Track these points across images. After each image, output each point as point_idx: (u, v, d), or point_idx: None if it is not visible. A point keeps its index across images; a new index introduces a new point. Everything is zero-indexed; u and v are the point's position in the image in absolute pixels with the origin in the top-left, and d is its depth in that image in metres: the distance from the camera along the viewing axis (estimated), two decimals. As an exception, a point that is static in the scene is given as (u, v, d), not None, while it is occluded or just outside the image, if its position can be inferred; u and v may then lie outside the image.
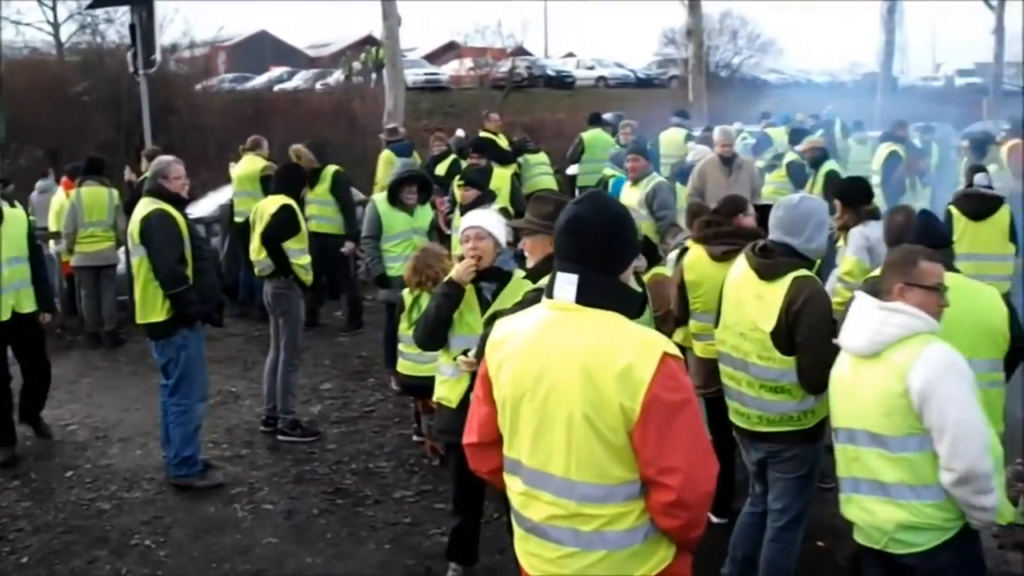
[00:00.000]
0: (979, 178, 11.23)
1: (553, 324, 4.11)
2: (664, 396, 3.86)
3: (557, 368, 4.01)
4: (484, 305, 7.09)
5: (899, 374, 5.11)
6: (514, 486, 4.27)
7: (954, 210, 10.45)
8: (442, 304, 7.05)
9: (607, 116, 22.92)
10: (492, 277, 7.12)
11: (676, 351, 4.00)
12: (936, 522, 5.15)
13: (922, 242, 6.22)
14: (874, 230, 8.83)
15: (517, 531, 4.33)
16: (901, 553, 5.24)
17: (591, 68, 58.44)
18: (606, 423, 3.91)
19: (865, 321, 5.31)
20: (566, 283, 4.05)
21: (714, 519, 8.35)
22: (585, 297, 4.03)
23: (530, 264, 6.60)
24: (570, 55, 66.19)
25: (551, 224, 6.36)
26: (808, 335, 6.34)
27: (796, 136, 18.27)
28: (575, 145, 19.49)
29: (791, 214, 6.51)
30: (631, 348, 3.91)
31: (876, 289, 5.50)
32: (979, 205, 10.81)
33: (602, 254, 4.07)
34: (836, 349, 5.98)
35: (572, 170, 19.60)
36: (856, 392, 5.35)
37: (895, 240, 6.74)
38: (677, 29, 57.98)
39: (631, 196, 12.56)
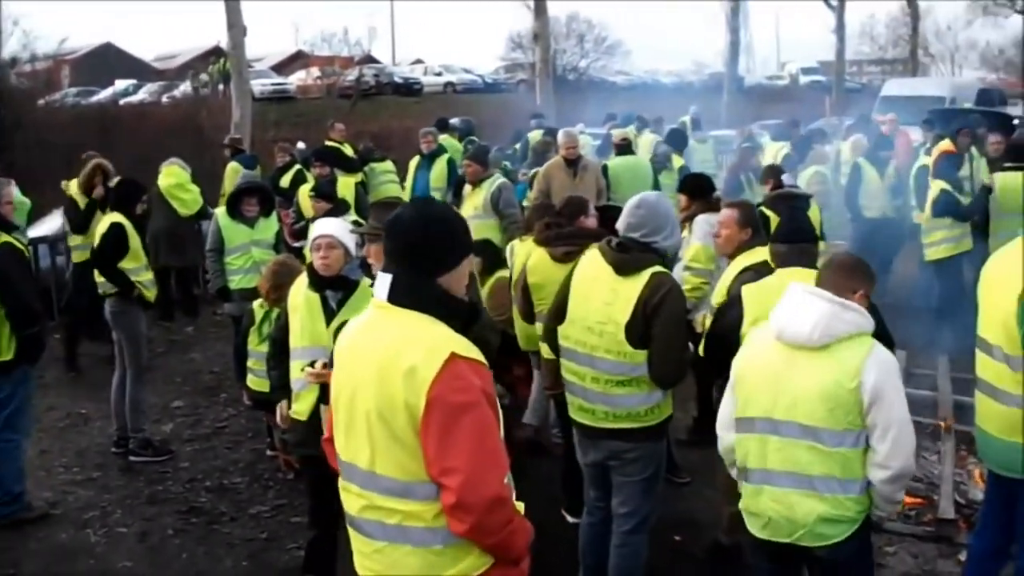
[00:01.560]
0: (785, 178, 11.40)
1: (368, 323, 4.24)
2: (447, 396, 3.89)
3: (359, 365, 4.11)
4: (330, 315, 7.03)
5: (853, 369, 5.14)
6: (340, 478, 4.36)
7: (767, 212, 10.60)
8: None
9: (454, 121, 22.90)
10: (338, 286, 7.07)
11: (473, 354, 4.03)
12: (851, 514, 5.21)
13: (789, 235, 6.35)
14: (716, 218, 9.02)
15: (347, 525, 4.38)
16: (815, 546, 5.26)
17: (439, 74, 58.61)
18: (396, 421, 3.96)
19: (811, 312, 5.25)
20: (381, 282, 4.16)
21: (570, 519, 8.43)
22: (395, 296, 4.11)
23: (376, 271, 6.53)
24: (418, 62, 66.34)
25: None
26: (665, 328, 6.34)
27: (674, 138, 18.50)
28: (428, 151, 19.48)
29: (653, 212, 6.51)
30: (421, 348, 3.95)
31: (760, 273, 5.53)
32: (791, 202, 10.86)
33: (414, 254, 4.12)
34: (688, 343, 6.05)
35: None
36: (788, 383, 5.29)
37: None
38: (524, 33, 58.46)
39: (475, 199, 12.66)
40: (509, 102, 39.73)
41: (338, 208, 11.28)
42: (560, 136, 14.90)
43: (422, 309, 4.08)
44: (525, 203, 14.07)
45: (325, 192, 11.76)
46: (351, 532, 4.33)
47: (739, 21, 49.90)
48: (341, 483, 4.33)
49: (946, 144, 15.28)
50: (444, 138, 19.63)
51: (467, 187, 13.12)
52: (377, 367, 4.00)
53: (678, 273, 9.36)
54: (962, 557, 7.51)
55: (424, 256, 4.12)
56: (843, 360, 5.17)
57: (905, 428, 5.14)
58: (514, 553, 4.16)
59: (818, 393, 5.18)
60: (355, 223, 9.20)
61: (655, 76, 71.87)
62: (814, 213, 10.69)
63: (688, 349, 6.55)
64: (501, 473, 4.01)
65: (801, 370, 5.24)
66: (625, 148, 16.70)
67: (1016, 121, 26.83)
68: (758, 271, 6.92)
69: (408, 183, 17.31)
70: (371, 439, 4.06)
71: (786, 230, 6.54)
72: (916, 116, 21.98)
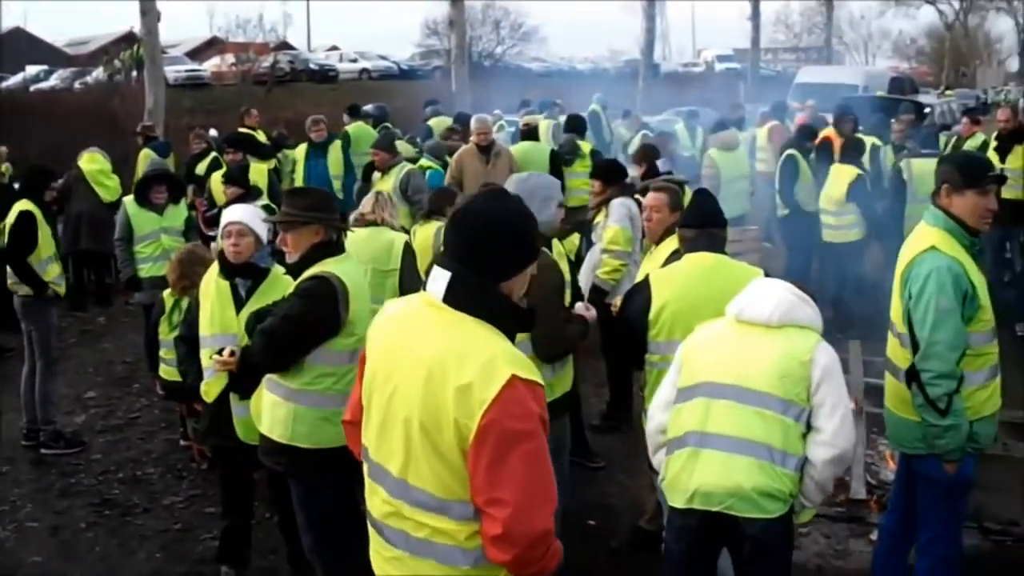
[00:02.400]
0: (660, 163, 11.40)
1: (415, 318, 3.92)
2: (505, 423, 3.60)
3: (404, 367, 3.82)
4: (239, 303, 6.97)
5: (805, 348, 5.26)
6: (365, 472, 4.11)
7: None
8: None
9: (368, 108, 22.76)
10: (248, 274, 7.01)
11: (533, 375, 3.71)
12: (785, 491, 5.20)
13: (697, 220, 6.37)
14: (633, 203, 9.08)
15: (369, 525, 4.15)
16: (748, 516, 5.19)
17: (354, 61, 58.29)
18: (442, 437, 3.69)
19: (774, 297, 5.39)
20: (438, 278, 3.82)
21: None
22: (453, 298, 3.79)
23: (291, 259, 6.45)
24: (334, 48, 65.89)
25: (312, 215, 6.31)
26: (539, 306, 6.35)
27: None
28: (340, 139, 19.26)
29: (518, 189, 6.46)
30: (478, 363, 3.64)
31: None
32: None
33: (479, 255, 3.80)
34: (566, 318, 6.09)
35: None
36: (739, 354, 5.35)
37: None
38: (439, 20, 58.40)
39: (383, 186, 12.49)
40: (425, 89, 39.52)
41: (250, 194, 11.21)
42: (473, 122, 14.86)
43: (480, 315, 3.78)
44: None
45: (236, 177, 11.66)
46: (370, 528, 4.11)
47: (655, 8, 50.03)
48: (368, 482, 4.07)
49: (829, 130, 15.54)
50: (359, 124, 19.50)
51: (376, 174, 13.08)
52: (426, 374, 3.71)
53: (595, 256, 9.40)
54: (874, 536, 7.63)
55: (492, 258, 3.82)
56: (796, 339, 5.31)
57: (850, 415, 5.25)
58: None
59: (770, 361, 5.25)
60: (266, 208, 9.14)
61: (571, 63, 72.10)
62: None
63: (563, 325, 6.50)
64: (552, 507, 3.74)
65: (755, 343, 5.33)
66: (529, 134, 16.66)
67: (927, 109, 27.18)
68: None
69: (299, 173, 17.08)
70: (408, 447, 3.80)
71: (694, 215, 6.56)
72: (830, 103, 22.27)
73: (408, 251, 8.68)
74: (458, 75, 36.54)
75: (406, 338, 3.88)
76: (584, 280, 9.17)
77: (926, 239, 5.98)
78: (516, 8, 71.06)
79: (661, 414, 5.64)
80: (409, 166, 13.10)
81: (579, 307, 6.70)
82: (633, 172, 11.02)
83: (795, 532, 5.66)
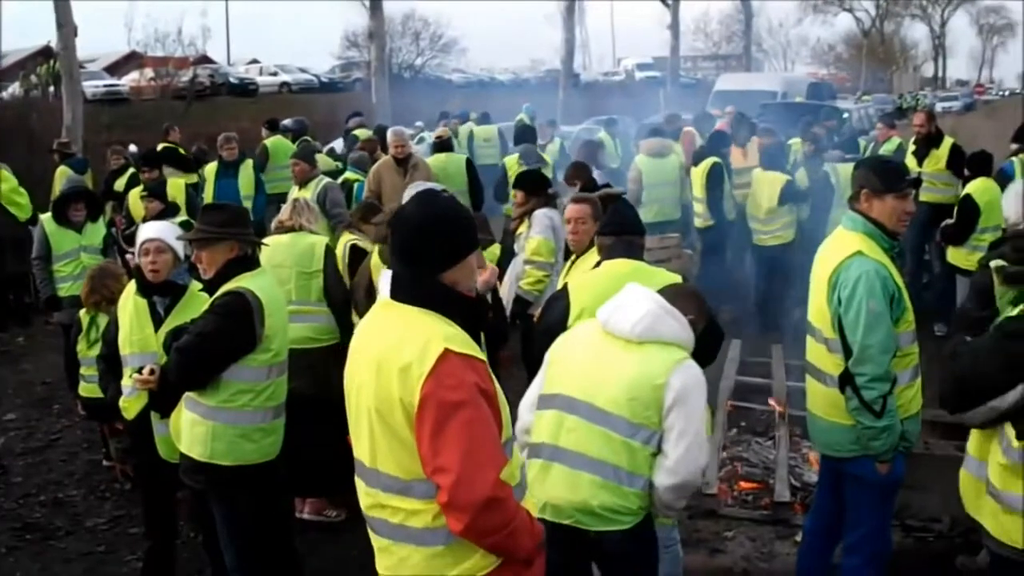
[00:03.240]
0: (598, 175, 11.42)
1: (373, 321, 4.22)
2: (440, 393, 3.85)
3: (362, 364, 4.10)
4: (158, 321, 6.91)
5: (662, 369, 5.10)
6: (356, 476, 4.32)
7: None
8: None
9: (286, 122, 22.65)
10: (166, 291, 6.96)
11: (469, 349, 3.98)
12: (634, 507, 5.15)
13: (615, 228, 6.38)
14: (556, 213, 9.07)
15: None
16: (600, 529, 5.16)
17: (274, 74, 57.93)
18: (394, 418, 3.94)
19: (639, 309, 5.23)
20: (384, 279, 4.17)
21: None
22: (398, 293, 4.10)
23: (206, 276, 6.42)
24: (254, 62, 65.47)
25: (226, 231, 6.28)
26: None
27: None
28: (260, 153, 19.12)
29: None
30: (416, 344, 3.91)
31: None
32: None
33: (416, 250, 4.08)
34: None
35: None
36: (596, 368, 5.24)
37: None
38: (359, 32, 58.30)
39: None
40: (345, 101, 39.44)
41: (169, 210, 11.14)
42: (389, 135, 14.84)
43: (425, 305, 4.05)
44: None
45: (157, 192, 11.59)
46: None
47: (575, 18, 50.25)
48: (356, 479, 4.29)
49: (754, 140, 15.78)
50: (278, 138, 19.39)
51: (294, 188, 13.04)
52: (376, 364, 4.00)
53: (518, 268, 9.40)
54: (798, 538, 7.62)
55: (426, 252, 4.07)
56: (655, 359, 5.16)
57: (698, 442, 5.10)
58: (519, 554, 4.12)
59: (623, 381, 5.13)
60: (185, 224, 9.08)
61: (491, 74, 72.25)
62: None
63: None
64: (495, 473, 3.93)
65: (612, 359, 5.20)
66: (442, 146, 16.84)
67: (845, 115, 27.42)
68: None
69: (208, 192, 16.61)
70: (372, 436, 4.06)
71: (611, 222, 6.56)
72: (749, 110, 22.43)
73: (330, 253, 8.73)
74: (378, 87, 36.55)
75: (364, 339, 4.20)
76: (507, 291, 9.16)
77: (850, 244, 6.02)
78: (436, 19, 70.94)
79: (528, 414, 5.57)
80: (327, 180, 13.08)
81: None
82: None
83: (657, 540, 5.62)
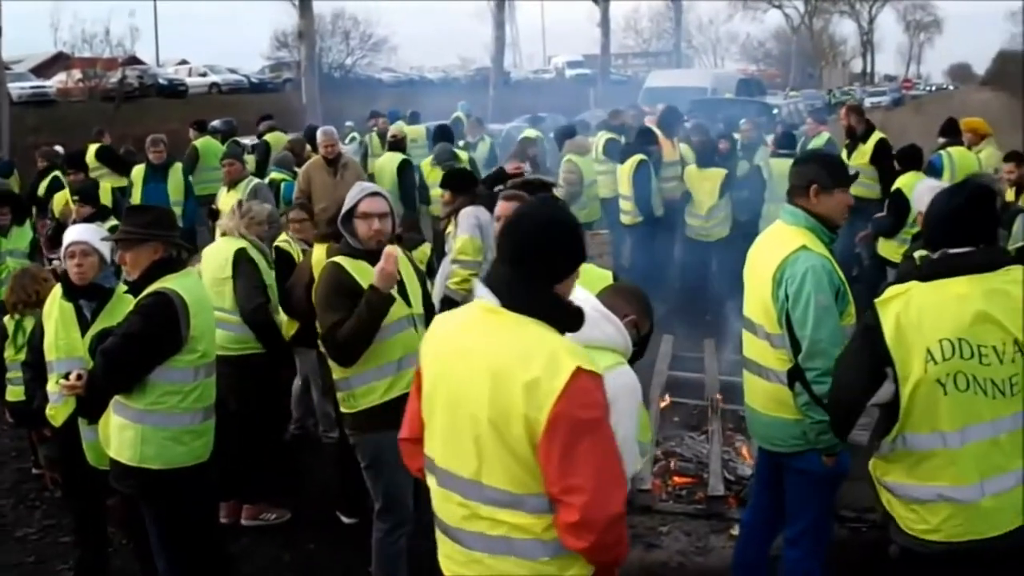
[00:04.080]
0: (507, 166, 11.38)
1: (474, 324, 4.05)
2: (574, 412, 3.74)
3: (469, 370, 3.94)
4: (84, 325, 6.82)
5: None
6: (431, 484, 4.20)
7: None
8: (375, 316, 6.53)
9: (215, 123, 22.51)
10: (92, 295, 6.86)
11: (594, 366, 3.85)
12: None
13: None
14: (483, 211, 9.01)
15: (437, 532, 4.22)
16: None
17: (204, 75, 57.70)
18: (511, 432, 3.81)
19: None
20: (486, 294, 4.00)
21: (344, 519, 8.40)
22: (510, 300, 3.94)
23: (131, 277, 6.37)
24: (183, 63, 65.10)
25: (151, 232, 6.22)
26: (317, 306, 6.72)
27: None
28: (188, 154, 18.94)
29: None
30: (542, 359, 3.79)
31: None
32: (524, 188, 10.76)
33: (536, 258, 3.96)
34: (331, 319, 6.40)
35: (188, 179, 19.00)
36: None
37: None
38: (289, 32, 58.07)
39: (231, 199, 12.40)
40: (275, 101, 39.32)
41: (100, 213, 11.01)
42: (319, 135, 14.76)
43: (538, 316, 3.94)
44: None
45: (87, 194, 11.47)
46: (441, 536, 4.17)
47: (505, 16, 50.33)
48: (436, 488, 4.15)
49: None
50: (207, 139, 19.23)
51: (222, 189, 12.93)
52: (492, 374, 3.85)
53: (446, 267, 9.36)
54: (734, 532, 7.70)
55: (545, 261, 3.98)
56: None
57: (625, 446, 5.09)
58: (619, 563, 4.09)
59: None
60: (113, 229, 8.96)
61: (421, 73, 72.24)
62: None
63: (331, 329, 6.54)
64: (624, 491, 3.90)
65: None
66: (396, 145, 17.04)
67: (775, 110, 27.62)
68: None
69: (136, 197, 16.08)
70: (479, 448, 3.92)
71: None
72: (679, 106, 22.49)
73: (240, 259, 8.36)
74: (308, 87, 36.49)
75: (467, 345, 4.01)
76: (437, 291, 9.12)
77: (793, 239, 6.01)
78: (366, 18, 71.01)
79: None
80: (256, 180, 13.04)
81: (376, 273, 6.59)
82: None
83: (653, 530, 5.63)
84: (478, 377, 3.89)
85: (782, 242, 6.04)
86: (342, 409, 6.87)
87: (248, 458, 8.22)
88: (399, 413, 6.61)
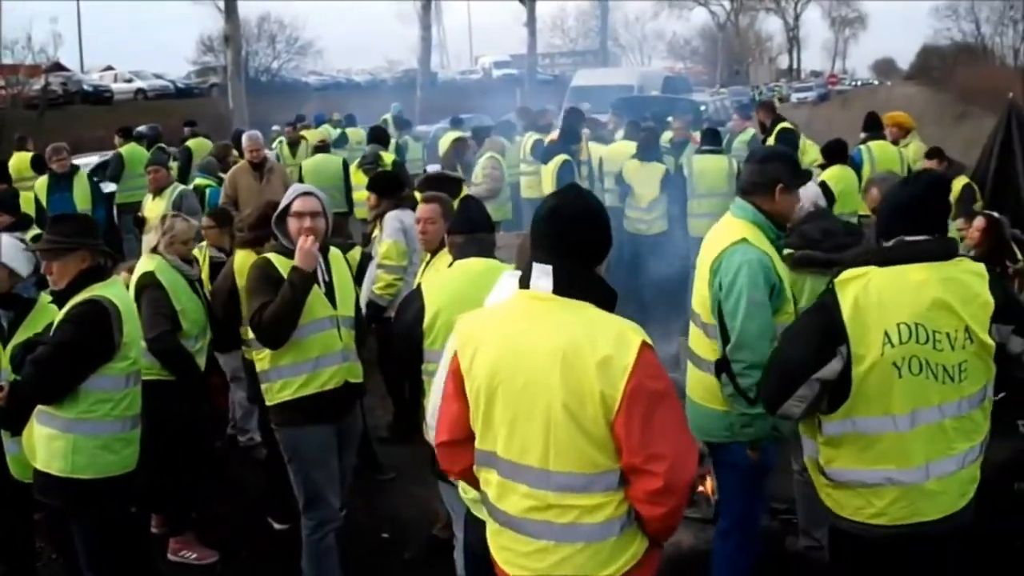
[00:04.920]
0: (430, 168, 11.39)
1: (529, 314, 4.14)
2: (647, 384, 3.92)
3: (535, 358, 4.04)
4: (2, 336, 6.75)
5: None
6: (490, 479, 4.27)
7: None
8: (298, 295, 6.57)
9: (141, 128, 22.35)
10: (10, 305, 6.79)
11: (650, 341, 4.03)
12: None
13: (465, 226, 6.37)
14: (408, 215, 9.02)
15: (491, 526, 4.34)
16: None
17: (129, 81, 57.19)
18: (586, 412, 3.94)
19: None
20: (542, 273, 4.10)
21: (276, 526, 8.39)
22: (561, 287, 4.07)
23: (57, 287, 6.32)
24: (108, 68, 64.46)
25: (77, 241, 6.20)
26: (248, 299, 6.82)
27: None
28: (113, 162, 18.79)
29: None
30: (610, 337, 3.96)
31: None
32: (443, 186, 10.22)
33: (577, 245, 4.12)
34: (257, 303, 6.52)
35: (110, 187, 18.75)
36: None
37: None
38: (215, 36, 57.75)
39: (157, 206, 12.54)
40: (202, 107, 39.08)
41: (20, 223, 10.89)
42: (245, 139, 14.76)
43: (588, 298, 4.09)
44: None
45: (6, 204, 11.36)
46: (500, 529, 4.29)
47: (431, 17, 50.33)
48: (499, 481, 4.23)
49: (553, 134, 15.99)
50: (133, 146, 19.07)
51: (148, 196, 12.86)
52: (561, 358, 3.97)
53: (372, 272, 9.36)
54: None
55: (589, 247, 4.16)
56: None
57: None
58: (670, 534, 4.29)
59: None
60: (36, 238, 8.88)
61: (348, 75, 72.10)
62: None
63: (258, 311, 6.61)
64: (697, 455, 4.15)
65: None
66: (321, 148, 17.36)
67: (702, 107, 27.81)
68: None
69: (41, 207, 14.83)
70: (548, 434, 4.02)
71: (462, 221, 6.53)
72: (606, 105, 22.71)
73: (144, 284, 7.88)
74: (235, 92, 36.24)
75: (525, 335, 4.11)
76: (364, 295, 9.13)
77: (735, 231, 6.08)
78: (292, 22, 70.57)
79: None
80: (182, 187, 12.98)
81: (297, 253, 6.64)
82: None
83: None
84: (545, 365, 4.01)
85: (725, 234, 6.13)
86: (266, 401, 6.89)
87: (168, 488, 8.10)
88: (315, 410, 6.79)
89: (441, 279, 6.41)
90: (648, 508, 4.01)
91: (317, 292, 6.67)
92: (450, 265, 6.51)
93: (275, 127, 23.73)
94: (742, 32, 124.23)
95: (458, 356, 4.35)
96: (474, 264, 6.23)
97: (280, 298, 6.48)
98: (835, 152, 13.23)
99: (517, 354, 4.11)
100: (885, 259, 4.79)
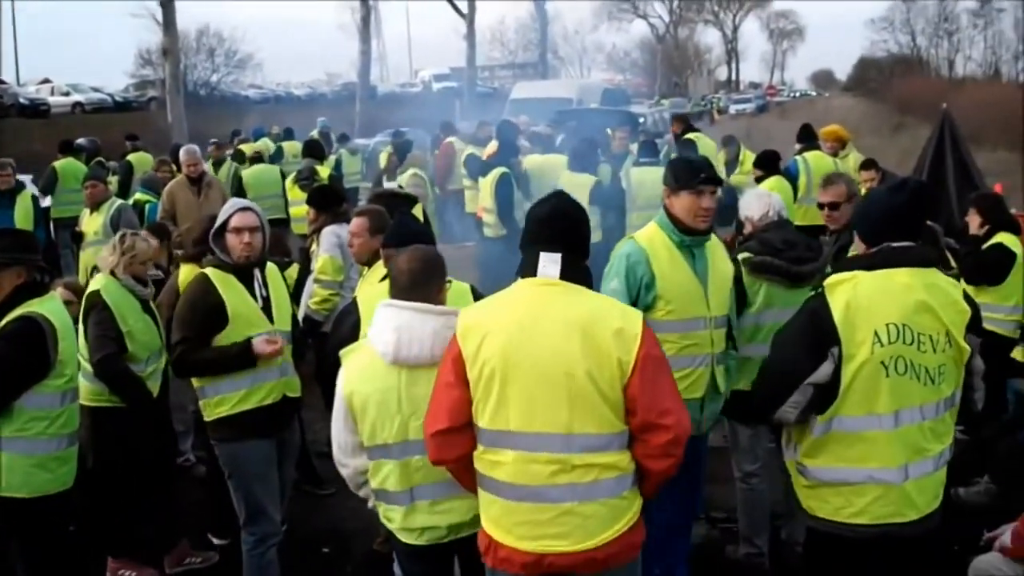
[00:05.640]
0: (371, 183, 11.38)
1: (539, 298, 4.63)
2: (653, 351, 4.56)
3: (551, 335, 4.51)
4: None
5: None
6: (501, 458, 4.59)
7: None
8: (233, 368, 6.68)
9: (80, 141, 22.13)
10: None
11: None
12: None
13: (400, 239, 6.32)
14: (345, 230, 8.98)
15: (502, 506, 4.64)
16: (471, 534, 5.16)
17: (67, 94, 56.80)
18: (604, 377, 4.46)
19: (426, 332, 5.08)
20: (550, 262, 4.65)
21: (215, 541, 8.34)
22: (565, 274, 4.65)
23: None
24: (46, 81, 63.95)
25: (13, 256, 6.19)
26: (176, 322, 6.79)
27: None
28: (47, 176, 18.57)
29: None
30: (616, 312, 4.64)
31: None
32: (396, 205, 9.51)
33: (577, 239, 4.82)
34: (181, 334, 6.54)
35: (46, 202, 18.56)
36: (415, 402, 5.08)
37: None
38: (153, 49, 57.47)
39: (94, 223, 12.52)
40: (141, 120, 38.86)
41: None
42: (182, 154, 14.72)
43: (581, 284, 4.69)
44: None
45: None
46: (515, 505, 4.60)
47: (371, 31, 50.29)
48: (515, 456, 4.56)
49: (491, 147, 16.03)
50: (69, 161, 18.88)
51: (85, 211, 12.78)
52: (580, 331, 4.48)
53: (310, 286, 9.33)
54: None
55: (583, 241, 4.85)
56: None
57: None
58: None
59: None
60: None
61: (288, 89, 71.94)
62: (417, 211, 10.65)
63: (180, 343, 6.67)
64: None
65: (426, 387, 5.01)
66: (257, 159, 17.76)
67: (641, 119, 27.92)
68: None
69: None
70: (571, 400, 4.47)
71: (396, 234, 6.43)
72: (544, 117, 22.78)
73: (92, 305, 7.66)
74: (173, 105, 36.01)
75: (537, 317, 4.58)
76: (301, 309, 9.10)
77: (640, 231, 6.51)
78: (231, 35, 70.40)
79: (352, 460, 5.51)
80: (120, 202, 12.87)
81: (257, 341, 6.64)
82: None
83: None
84: (565, 337, 4.50)
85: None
86: (204, 417, 6.86)
87: (105, 509, 7.95)
88: (253, 425, 6.79)
89: (375, 292, 6.25)
90: (658, 462, 4.57)
91: (254, 307, 6.69)
92: (384, 278, 6.44)
93: (212, 141, 23.60)
94: (681, 44, 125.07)
95: (460, 345, 4.63)
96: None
97: (217, 356, 6.57)
98: (769, 162, 13.36)
99: (531, 334, 4.52)
100: (872, 264, 4.94)
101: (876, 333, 4.78)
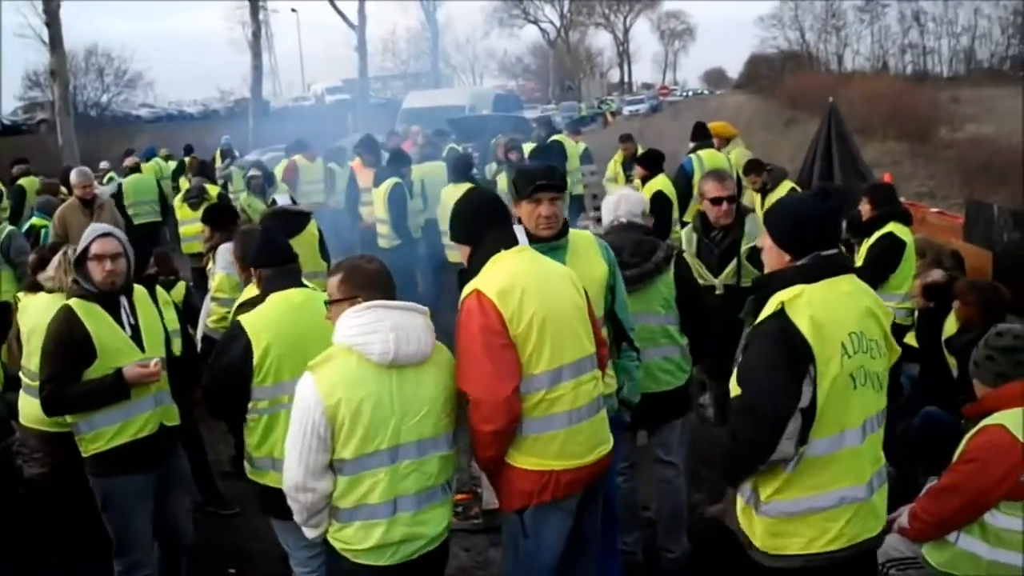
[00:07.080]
0: (279, 197, 11.31)
1: (532, 259, 5.56)
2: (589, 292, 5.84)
3: (556, 283, 5.53)
4: None
5: (451, 367, 5.24)
6: (561, 391, 5.35)
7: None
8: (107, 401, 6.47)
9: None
10: None
11: None
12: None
13: (272, 259, 6.29)
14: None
15: (563, 436, 5.36)
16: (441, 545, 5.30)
17: (-48, 119, 55.86)
18: (585, 309, 5.63)
19: (415, 329, 5.07)
20: (522, 234, 5.74)
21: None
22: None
23: None
24: (-69, 104, 62.96)
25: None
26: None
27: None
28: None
29: None
30: (584, 267, 6.11)
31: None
32: (291, 221, 10.33)
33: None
34: (48, 372, 6.36)
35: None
36: (408, 404, 5.03)
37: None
38: (40, 71, 56.64)
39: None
40: (31, 143, 38.32)
41: None
42: (73, 176, 14.54)
43: None
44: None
45: None
46: (572, 430, 5.38)
47: (262, 46, 49.99)
48: (570, 385, 5.40)
49: (356, 162, 16.19)
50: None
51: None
52: (568, 279, 5.61)
53: (208, 305, 9.29)
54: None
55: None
56: (442, 361, 5.22)
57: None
58: None
59: (438, 402, 5.13)
60: None
61: (180, 107, 71.33)
62: (312, 227, 10.62)
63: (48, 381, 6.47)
64: None
65: (415, 386, 5.07)
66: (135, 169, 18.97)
67: (533, 124, 28.06)
68: None
69: None
70: (583, 327, 5.53)
71: (266, 254, 6.41)
72: (437, 125, 22.81)
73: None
74: (63, 127, 35.51)
75: (542, 270, 5.55)
76: (200, 329, 9.05)
77: None
78: (120, 53, 69.45)
79: (319, 482, 5.10)
80: (10, 227, 12.70)
81: (128, 368, 6.45)
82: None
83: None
84: (563, 284, 5.56)
85: None
86: (81, 453, 6.63)
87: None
88: (131, 458, 6.58)
89: (261, 315, 6.16)
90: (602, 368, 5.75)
91: (123, 336, 6.53)
92: (262, 299, 6.32)
93: (103, 163, 23.37)
94: (573, 48, 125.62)
95: (499, 308, 5.20)
96: (293, 295, 6.10)
97: (88, 391, 6.41)
98: (651, 162, 13.53)
99: (549, 284, 5.46)
100: (810, 275, 4.76)
101: (843, 345, 4.63)
